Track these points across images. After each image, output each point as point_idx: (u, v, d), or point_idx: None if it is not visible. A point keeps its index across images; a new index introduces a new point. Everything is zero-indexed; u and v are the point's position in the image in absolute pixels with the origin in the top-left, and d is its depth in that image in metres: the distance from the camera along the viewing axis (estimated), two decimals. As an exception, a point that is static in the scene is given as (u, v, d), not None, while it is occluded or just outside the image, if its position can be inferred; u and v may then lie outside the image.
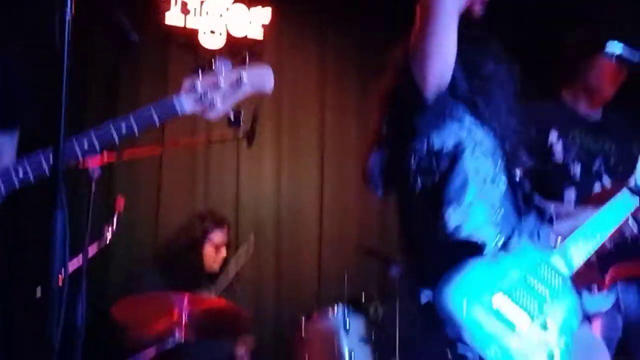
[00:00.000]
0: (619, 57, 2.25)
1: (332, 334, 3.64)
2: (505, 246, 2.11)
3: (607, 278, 2.84)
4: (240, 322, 3.77)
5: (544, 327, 2.01)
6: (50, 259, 1.58)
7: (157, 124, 1.95)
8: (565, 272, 2.13)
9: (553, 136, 2.98)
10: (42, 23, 1.66)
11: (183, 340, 3.36)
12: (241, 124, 2.03)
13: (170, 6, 4.72)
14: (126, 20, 1.65)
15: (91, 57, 4.37)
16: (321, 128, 5.03)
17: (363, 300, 3.84)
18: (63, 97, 1.47)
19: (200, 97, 1.95)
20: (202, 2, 4.81)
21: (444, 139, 2.11)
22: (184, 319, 3.35)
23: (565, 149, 2.98)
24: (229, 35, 4.83)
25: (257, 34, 4.90)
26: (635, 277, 2.93)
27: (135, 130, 1.91)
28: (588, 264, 2.62)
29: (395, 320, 3.58)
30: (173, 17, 4.74)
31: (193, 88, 1.95)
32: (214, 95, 1.95)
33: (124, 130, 1.91)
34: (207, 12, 4.82)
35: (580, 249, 2.19)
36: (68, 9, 1.55)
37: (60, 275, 2.32)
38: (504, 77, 2.26)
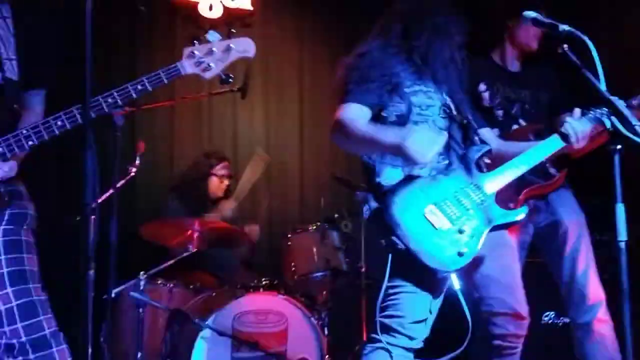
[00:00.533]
0: (534, 20, 2.24)
1: (312, 243, 3.72)
2: (446, 168, 2.20)
3: (521, 197, 2.92)
4: (236, 235, 3.83)
5: (461, 231, 2.10)
6: (84, 189, 1.63)
7: (166, 83, 1.98)
8: (489, 192, 2.19)
9: (482, 87, 3.02)
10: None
11: (195, 250, 3.43)
12: (230, 81, 2.07)
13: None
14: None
15: (114, 25, 4.31)
16: (300, 82, 5.00)
17: (336, 218, 3.91)
18: (89, 60, 1.49)
19: (198, 61, 1.98)
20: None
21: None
22: (195, 235, 3.41)
23: (491, 96, 3.02)
24: (224, 7, 4.76)
25: (247, 5, 4.83)
26: (541, 195, 3.00)
27: (149, 88, 1.98)
28: (509, 186, 2.70)
29: (361, 232, 3.65)
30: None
31: (192, 54, 1.99)
32: (209, 60, 1.99)
33: (140, 89, 1.95)
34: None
35: (503, 177, 2.23)
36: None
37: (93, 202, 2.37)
38: (452, 29, 2.28)
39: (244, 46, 2.05)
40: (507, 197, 2.86)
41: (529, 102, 3.05)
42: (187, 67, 1.99)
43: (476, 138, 2.32)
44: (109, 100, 1.93)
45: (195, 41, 2.00)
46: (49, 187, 3.76)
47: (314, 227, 3.75)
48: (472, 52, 2.77)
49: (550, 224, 2.99)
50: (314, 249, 3.67)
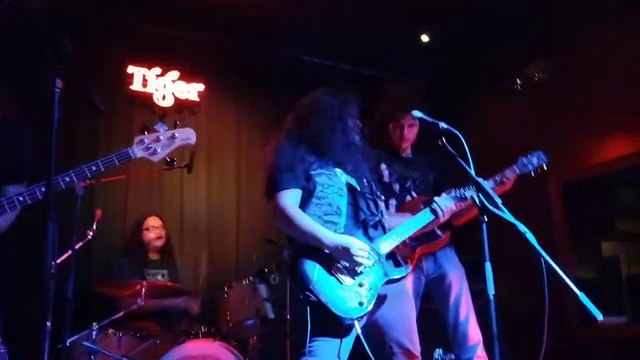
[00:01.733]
0: (420, 119, 2.36)
1: (244, 295, 3.66)
2: (350, 232, 2.22)
3: (415, 254, 3.02)
4: (178, 291, 3.72)
5: (361, 285, 2.14)
6: (46, 254, 1.57)
7: (118, 165, 1.97)
8: (383, 252, 2.24)
9: (382, 166, 3.15)
10: (39, 96, 1.67)
11: (143, 303, 3.31)
12: (174, 164, 2.08)
13: (133, 79, 4.64)
14: (95, 94, 1.66)
15: (75, 114, 4.22)
16: (238, 159, 5.04)
17: (265, 272, 3.88)
18: (53, 147, 1.48)
19: (147, 147, 1.99)
20: (156, 76, 4.75)
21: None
22: (143, 291, 3.29)
23: (390, 174, 3.16)
24: (175, 98, 4.79)
25: (195, 97, 4.88)
26: (430, 252, 3.11)
27: (102, 169, 1.97)
28: (404, 244, 2.78)
29: (287, 285, 3.64)
30: (136, 86, 4.66)
31: (142, 141, 2.00)
32: (156, 146, 2.00)
33: (94, 170, 1.94)
34: (160, 82, 4.76)
35: (392, 240, 2.28)
36: (57, 87, 1.56)
37: (53, 264, 2.26)
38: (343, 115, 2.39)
39: (187, 135, 2.09)
40: (404, 253, 2.96)
41: (419, 179, 3.21)
42: (137, 151, 2.00)
43: (379, 205, 2.37)
44: (67, 179, 1.91)
45: (145, 130, 2.02)
46: (14, 250, 3.57)
47: (246, 282, 3.70)
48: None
49: (438, 277, 3.10)
50: (246, 300, 3.61)
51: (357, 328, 2.09)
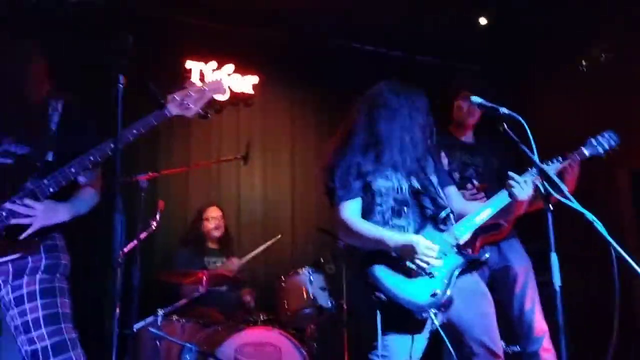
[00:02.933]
0: (479, 105, 2.27)
1: (302, 284, 3.67)
2: (420, 228, 2.19)
3: (477, 244, 2.93)
4: (237, 280, 3.78)
5: (431, 275, 2.09)
6: (113, 244, 1.62)
7: (155, 125, 1.99)
8: (453, 243, 2.17)
9: (442, 155, 3.05)
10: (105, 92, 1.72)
11: (204, 291, 3.38)
12: (208, 117, 2.08)
13: (191, 74, 4.73)
14: (156, 89, 1.69)
15: (136, 107, 4.33)
16: (292, 149, 5.05)
17: (322, 262, 3.88)
18: (118, 142, 1.52)
19: (180, 103, 2.00)
20: (212, 71, 4.81)
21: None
22: (204, 279, 3.36)
23: (450, 162, 3.06)
24: (231, 92, 4.84)
25: (249, 90, 4.92)
26: (494, 243, 3.01)
27: (143, 131, 1.98)
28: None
29: (343, 274, 3.63)
30: (193, 80, 4.71)
31: (174, 99, 2.02)
32: (188, 101, 2.01)
33: (135, 133, 1.96)
34: (216, 77, 4.81)
35: (465, 229, 2.22)
36: (120, 83, 1.60)
37: (120, 253, 2.34)
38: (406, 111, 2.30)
39: (215, 86, 2.08)
40: (466, 244, 2.88)
41: (482, 166, 3.10)
42: (172, 109, 2.01)
43: (441, 202, 2.28)
44: (111, 145, 1.90)
45: (175, 90, 2.02)
46: (82, 241, 3.69)
47: (303, 271, 3.71)
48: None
49: (502, 268, 2.99)
50: (303, 289, 3.62)
51: (435, 320, 2.03)
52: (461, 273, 2.15)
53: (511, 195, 2.23)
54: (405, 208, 2.21)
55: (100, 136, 1.96)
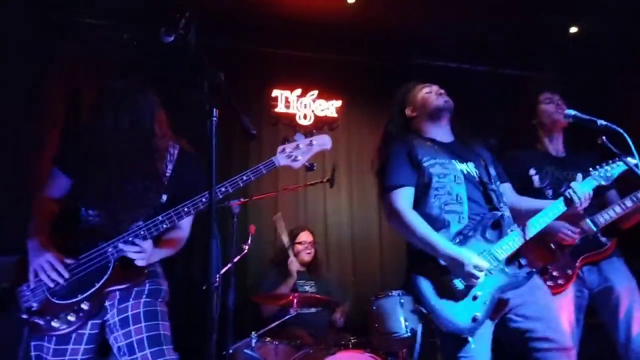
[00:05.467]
0: (574, 117, 2.16)
1: (392, 306, 3.60)
2: (465, 236, 2.10)
3: (578, 264, 2.74)
4: (327, 303, 3.77)
5: (475, 298, 2.03)
6: (210, 269, 1.67)
7: (264, 173, 2.08)
8: (501, 258, 2.08)
9: (532, 171, 2.90)
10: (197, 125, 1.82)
11: (295, 312, 3.41)
12: (314, 169, 2.17)
13: (277, 102, 4.88)
14: (247, 121, 1.75)
15: (229, 138, 4.49)
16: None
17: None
18: (214, 168, 1.59)
19: (288, 155, 2.06)
20: (297, 97, 4.94)
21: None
22: (295, 301, 3.40)
23: (541, 179, 2.90)
24: (315, 116, 4.94)
25: (333, 114, 4.99)
26: (594, 263, 2.80)
27: (252, 178, 2.08)
28: (567, 254, 2.54)
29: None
30: (280, 107, 4.89)
31: (283, 150, 2.10)
32: (296, 153, 2.07)
33: (245, 179, 2.06)
34: (301, 103, 4.94)
35: (513, 243, 2.12)
36: (214, 116, 1.68)
37: (216, 277, 2.42)
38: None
39: (323, 140, 2.16)
40: (564, 263, 2.70)
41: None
42: (281, 160, 2.10)
43: (495, 199, 2.20)
44: (222, 189, 2.02)
45: (285, 141, 2.13)
46: (178, 267, 3.86)
47: (394, 293, 3.65)
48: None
49: (604, 290, 2.76)
50: (394, 312, 3.55)
51: (471, 344, 1.95)
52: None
53: (568, 203, 2.14)
54: (462, 194, 2.15)
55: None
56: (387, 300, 3.62)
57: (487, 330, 2.05)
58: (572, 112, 2.12)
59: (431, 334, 3.45)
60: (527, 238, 2.12)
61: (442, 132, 2.38)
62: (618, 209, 2.70)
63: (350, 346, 3.35)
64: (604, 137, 1.99)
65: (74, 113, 3.98)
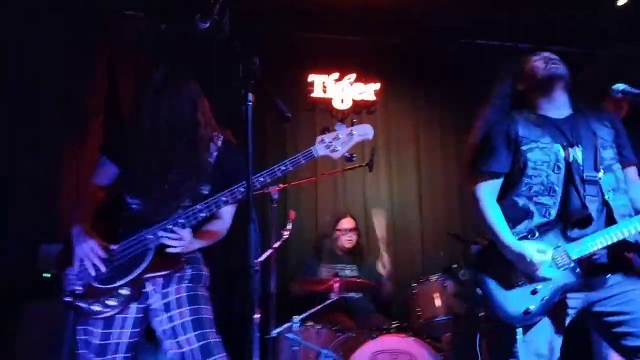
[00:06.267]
0: (623, 92, 2.04)
1: (434, 291, 3.57)
2: (543, 226, 2.00)
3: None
4: (369, 287, 3.77)
5: (534, 291, 1.97)
6: (249, 254, 1.69)
7: (303, 163, 2.05)
8: (574, 257, 1.96)
9: None
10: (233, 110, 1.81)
11: (337, 297, 3.42)
12: (353, 160, 2.11)
13: (314, 87, 4.85)
14: (282, 104, 1.74)
15: (265, 123, 4.48)
16: (417, 154, 4.96)
17: (454, 268, 3.75)
18: (250, 157, 1.60)
19: (327, 145, 2.04)
20: (335, 81, 4.90)
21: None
22: (336, 285, 3.41)
23: None
24: (353, 100, 4.89)
25: (371, 97, 4.93)
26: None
27: (291, 168, 2.05)
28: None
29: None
30: (316, 92, 4.87)
31: (322, 140, 2.06)
32: (335, 143, 2.04)
33: (283, 169, 2.04)
34: (338, 87, 4.91)
35: (592, 245, 1.95)
36: (249, 101, 1.68)
37: (256, 262, 2.44)
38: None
39: (364, 131, 2.09)
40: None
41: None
42: (319, 150, 2.05)
43: (594, 192, 2.00)
44: (260, 179, 2.02)
45: (325, 131, 2.08)
46: (218, 253, 3.91)
47: (435, 277, 3.61)
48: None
49: None
50: (436, 296, 3.52)
51: (519, 335, 1.91)
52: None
53: None
54: (557, 187, 2.00)
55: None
56: (429, 284, 3.59)
57: (543, 327, 1.97)
58: (620, 86, 2.00)
59: (476, 320, 3.41)
60: (612, 242, 1.94)
61: (556, 106, 2.12)
62: None
63: (393, 330, 3.34)
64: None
65: (114, 104, 4.07)
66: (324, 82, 4.87)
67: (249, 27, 4.03)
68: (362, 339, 3.19)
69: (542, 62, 2.14)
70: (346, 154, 2.09)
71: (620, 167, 2.05)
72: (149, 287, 2.07)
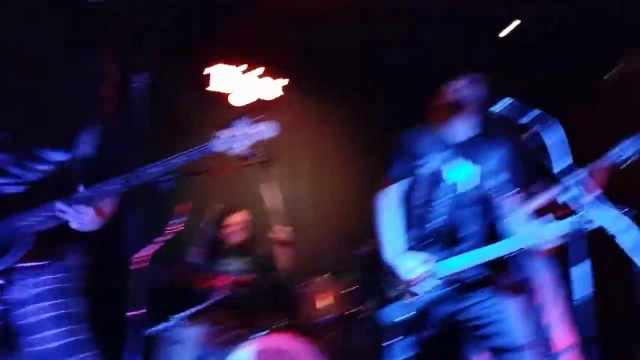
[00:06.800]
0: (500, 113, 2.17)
1: (324, 290, 3.63)
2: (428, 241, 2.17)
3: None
4: (258, 284, 3.74)
5: (410, 304, 2.11)
6: (130, 245, 1.60)
7: (197, 159, 1.99)
8: (442, 275, 2.12)
9: None
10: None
11: (223, 295, 3.37)
12: (253, 158, 2.07)
13: (216, 78, 4.73)
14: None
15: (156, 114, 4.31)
16: (317, 156, 5.02)
17: (346, 268, 3.83)
18: (136, 138, 1.51)
19: (224, 142, 1.98)
20: (242, 73, 4.78)
21: None
22: (223, 283, 3.35)
23: None
24: (256, 95, 4.80)
25: (274, 94, 4.88)
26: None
27: (183, 163, 2.00)
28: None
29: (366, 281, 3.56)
30: (220, 84, 4.74)
31: (219, 137, 2.00)
32: (233, 141, 2.00)
33: (174, 163, 1.98)
34: (244, 80, 4.81)
35: (458, 265, 2.12)
36: (141, 80, 1.59)
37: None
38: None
39: (264, 129, 2.05)
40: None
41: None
42: (216, 146, 1.99)
43: (479, 213, 2.18)
44: (151, 170, 1.97)
45: (223, 126, 2.02)
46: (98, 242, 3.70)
47: (326, 277, 3.68)
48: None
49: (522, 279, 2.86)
50: (326, 296, 3.60)
51: (396, 338, 2.05)
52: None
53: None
54: (444, 201, 2.16)
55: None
56: (319, 283, 3.64)
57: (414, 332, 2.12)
58: (500, 105, 2.12)
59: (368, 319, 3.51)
60: (471, 265, 2.10)
61: (462, 127, 2.27)
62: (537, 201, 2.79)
63: (280, 329, 3.34)
64: (532, 130, 2.00)
65: None
66: (227, 73, 4.76)
67: (145, 9, 3.85)
68: (246, 337, 3.15)
69: (452, 89, 2.29)
70: (244, 151, 2.04)
71: (503, 194, 2.22)
72: (12, 277, 1.90)
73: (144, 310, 2.87)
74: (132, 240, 1.60)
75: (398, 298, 2.10)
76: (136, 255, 2.61)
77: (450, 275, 2.10)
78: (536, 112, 1.99)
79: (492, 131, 2.25)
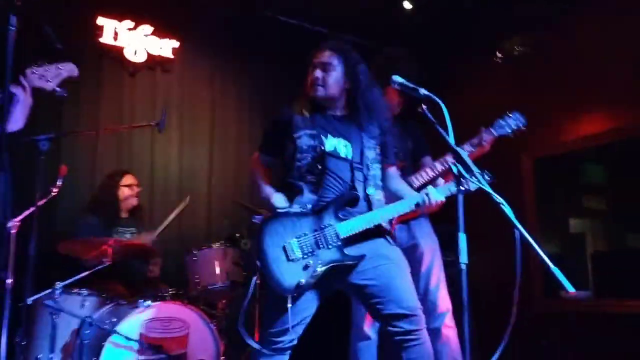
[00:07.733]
0: (400, 84, 2.26)
1: (215, 258, 3.60)
2: (320, 208, 2.22)
3: (393, 222, 2.96)
4: (148, 252, 3.64)
5: (306, 267, 2.16)
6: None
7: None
8: (341, 236, 2.18)
9: None
10: None
11: (109, 263, 3.21)
12: (64, 96, 2.29)
13: (103, 32, 4.43)
14: (52, 33, 1.62)
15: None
16: (212, 121, 4.90)
17: (237, 237, 3.83)
18: (7, 89, 1.38)
19: (40, 76, 2.20)
20: (128, 29, 4.54)
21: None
22: (109, 250, 3.20)
23: None
24: (148, 54, 4.59)
25: (169, 53, 4.70)
26: (404, 222, 3.11)
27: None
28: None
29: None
30: (106, 38, 4.44)
31: (33, 72, 2.20)
32: (47, 75, 2.20)
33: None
34: (131, 37, 4.55)
35: (357, 226, 2.20)
36: (12, 25, 1.47)
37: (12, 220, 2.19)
38: None
39: (70, 68, 2.28)
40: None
41: (397, 147, 3.12)
42: (34, 80, 2.17)
43: (361, 179, 2.28)
44: None
45: (34, 64, 2.20)
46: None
47: (217, 245, 3.64)
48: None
49: (411, 247, 3.07)
50: (216, 264, 3.57)
51: (289, 303, 2.11)
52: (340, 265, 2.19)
53: (418, 205, 2.26)
54: (323, 168, 2.24)
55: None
56: (210, 251, 3.60)
57: (310, 297, 2.20)
58: (398, 78, 2.22)
59: (262, 287, 3.54)
60: (370, 225, 2.20)
61: (334, 105, 2.39)
62: (430, 172, 3.02)
63: (168, 298, 3.28)
64: (423, 106, 2.12)
65: None
66: (115, 28, 4.47)
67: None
68: (133, 307, 3.06)
69: (309, 83, 2.37)
70: (56, 88, 2.24)
71: (380, 166, 2.36)
72: None
73: (21, 279, 2.69)
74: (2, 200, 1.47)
75: (299, 261, 2.14)
76: (7, 219, 2.42)
77: (350, 236, 2.19)
78: (423, 90, 2.11)
79: (371, 104, 2.37)
